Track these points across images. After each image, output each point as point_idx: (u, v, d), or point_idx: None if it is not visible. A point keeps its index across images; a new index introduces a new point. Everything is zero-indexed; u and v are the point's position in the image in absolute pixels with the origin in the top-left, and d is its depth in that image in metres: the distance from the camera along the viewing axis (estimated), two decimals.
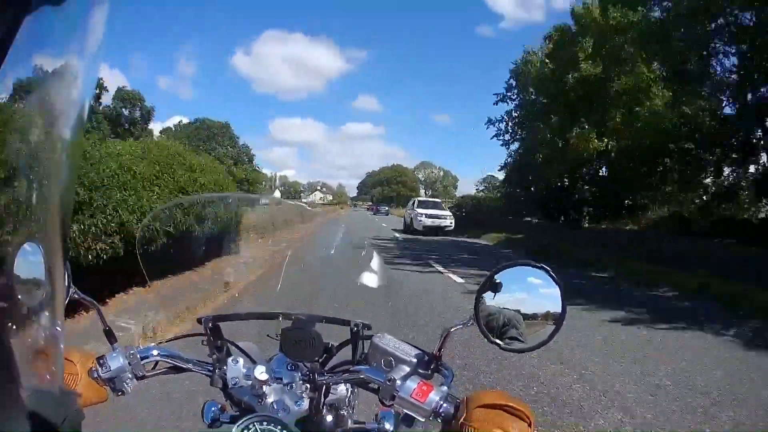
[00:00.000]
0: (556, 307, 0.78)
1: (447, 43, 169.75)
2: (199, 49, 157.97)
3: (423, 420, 0.76)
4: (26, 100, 0.36)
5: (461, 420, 0.68)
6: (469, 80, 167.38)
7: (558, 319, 0.77)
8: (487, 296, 0.79)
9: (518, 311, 0.78)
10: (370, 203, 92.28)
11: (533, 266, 0.78)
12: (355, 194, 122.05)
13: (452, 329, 0.81)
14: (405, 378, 0.77)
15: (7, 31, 0.32)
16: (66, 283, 0.86)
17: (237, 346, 0.98)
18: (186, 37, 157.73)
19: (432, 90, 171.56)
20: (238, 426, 0.80)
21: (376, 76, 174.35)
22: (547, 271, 0.77)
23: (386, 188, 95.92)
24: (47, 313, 0.34)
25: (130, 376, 0.88)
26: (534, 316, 0.78)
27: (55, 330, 0.34)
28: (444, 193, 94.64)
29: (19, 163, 0.35)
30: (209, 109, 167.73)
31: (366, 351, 0.90)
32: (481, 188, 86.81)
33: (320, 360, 0.90)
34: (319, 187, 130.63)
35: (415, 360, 0.83)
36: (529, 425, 0.68)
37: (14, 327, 0.31)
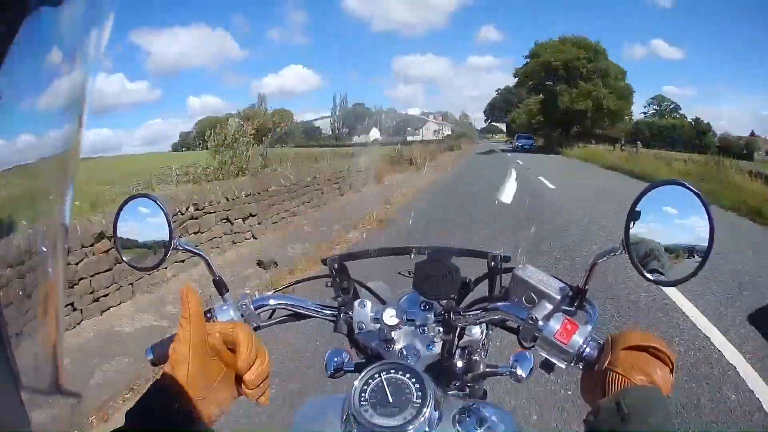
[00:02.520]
0: (700, 239, 0.71)
1: None
2: None
3: (564, 366, 0.74)
4: (26, 101, 0.38)
5: (605, 364, 0.67)
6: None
7: (704, 253, 0.70)
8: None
9: (659, 242, 0.73)
10: (519, 139, 46.57)
11: (686, 187, 0.70)
12: (483, 125, 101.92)
13: (600, 260, 0.77)
14: (548, 316, 0.75)
15: (7, 31, 0.34)
16: (168, 238, 0.87)
17: (365, 287, 0.98)
18: None
19: (558, 13, 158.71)
20: (362, 376, 0.77)
21: (496, 5, 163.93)
22: (699, 197, 0.69)
23: (562, 89, 45.65)
24: (48, 305, 0.38)
25: None
26: (675, 247, 0.73)
27: (54, 336, 0.38)
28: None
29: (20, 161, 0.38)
30: (328, 54, 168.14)
31: (504, 285, 0.87)
32: (650, 112, 63.67)
33: (456, 297, 0.87)
34: (432, 118, 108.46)
35: (559, 295, 0.79)
36: (671, 370, 0.67)
37: (14, 324, 0.35)
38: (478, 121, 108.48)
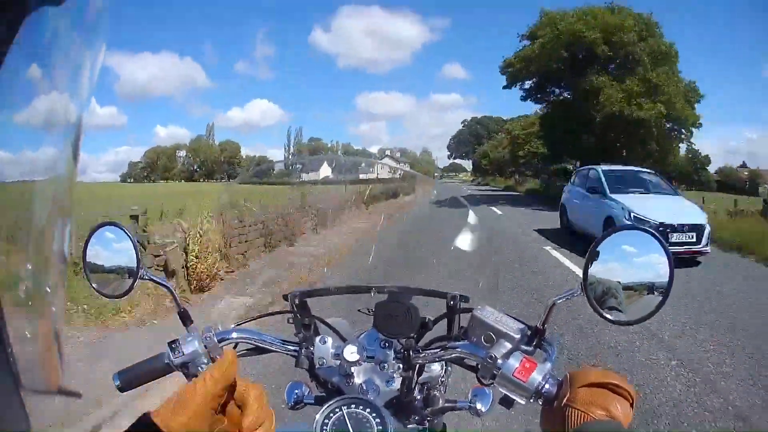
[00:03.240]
0: (659, 277, 0.75)
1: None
2: (274, 30, 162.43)
3: (524, 402, 0.75)
4: (26, 100, 0.39)
5: (564, 401, 0.69)
6: None
7: (663, 291, 0.74)
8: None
9: (618, 281, 0.76)
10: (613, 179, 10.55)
11: (642, 230, 0.75)
12: (447, 163, 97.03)
13: (558, 301, 0.79)
14: (507, 355, 0.77)
15: (7, 31, 0.35)
16: (135, 266, 0.89)
17: (326, 323, 0.99)
18: (259, 20, 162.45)
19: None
20: (324, 409, 0.79)
21: (461, 43, 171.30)
22: (656, 238, 0.74)
23: (602, 82, 22.79)
24: (49, 307, 0.37)
25: (205, 360, 0.88)
26: (634, 286, 0.76)
27: (54, 340, 0.37)
28: None
29: (20, 166, 0.38)
30: (293, 88, 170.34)
31: (463, 325, 0.89)
32: None
33: (415, 336, 0.89)
34: (389, 153, 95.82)
35: (517, 335, 0.81)
36: (631, 405, 0.68)
37: (16, 336, 0.35)
38: (442, 159, 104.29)
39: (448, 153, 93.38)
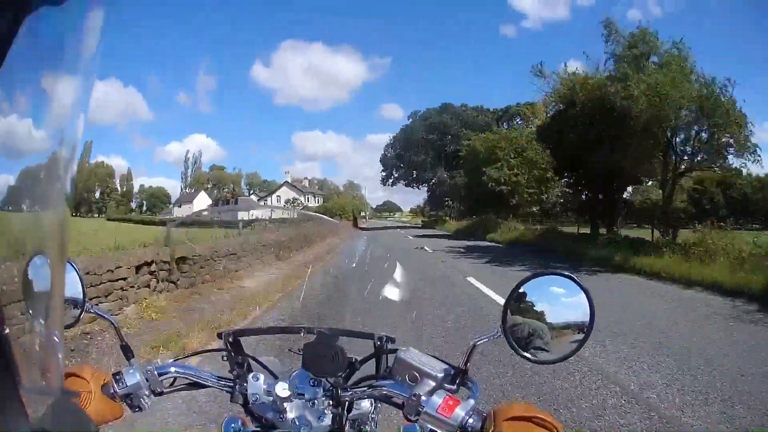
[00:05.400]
0: (582, 317, 0.81)
1: (470, 45, 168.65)
2: (217, 63, 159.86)
3: None
4: (25, 101, 0.39)
5: None
6: (494, 83, 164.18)
7: (586, 329, 0.81)
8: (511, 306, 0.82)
9: (543, 321, 0.81)
10: None
11: (560, 275, 0.82)
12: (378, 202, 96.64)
13: (478, 342, 0.85)
14: (430, 393, 0.83)
15: (7, 31, 0.35)
16: (82, 298, 0.94)
17: (258, 361, 1.02)
18: (203, 52, 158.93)
19: (457, 94, 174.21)
20: None
21: (400, 83, 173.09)
22: (574, 281, 0.81)
23: None
24: (48, 324, 0.37)
25: (147, 392, 0.94)
26: (559, 326, 0.82)
27: (54, 340, 0.37)
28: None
29: (18, 169, 0.38)
30: (230, 124, 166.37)
31: (390, 365, 0.94)
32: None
33: (343, 375, 0.94)
34: (289, 179, 76.48)
35: (440, 374, 0.86)
36: None
37: (15, 336, 0.34)
38: (374, 199, 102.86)
39: (382, 171, 66.61)
